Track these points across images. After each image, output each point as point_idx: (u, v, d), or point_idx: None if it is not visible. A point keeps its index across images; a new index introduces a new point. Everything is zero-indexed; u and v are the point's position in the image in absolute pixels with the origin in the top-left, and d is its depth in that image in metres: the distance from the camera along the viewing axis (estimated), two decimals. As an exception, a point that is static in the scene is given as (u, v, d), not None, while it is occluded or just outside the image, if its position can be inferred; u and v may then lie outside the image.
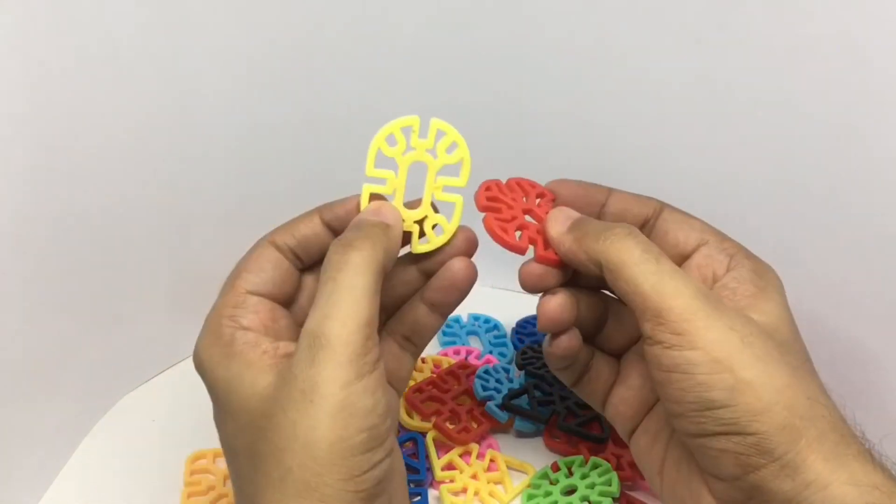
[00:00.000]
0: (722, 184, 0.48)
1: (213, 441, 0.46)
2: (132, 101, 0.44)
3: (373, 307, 0.32)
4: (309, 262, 0.37)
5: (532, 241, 0.37)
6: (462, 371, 0.51)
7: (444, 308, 0.38)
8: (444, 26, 0.49)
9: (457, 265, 0.37)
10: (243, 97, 0.48)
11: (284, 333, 0.35)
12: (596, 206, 0.38)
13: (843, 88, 0.42)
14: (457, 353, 0.54)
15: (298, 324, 0.36)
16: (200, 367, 0.34)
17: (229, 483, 0.45)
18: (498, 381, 0.50)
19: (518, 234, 0.37)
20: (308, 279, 0.38)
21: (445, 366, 0.52)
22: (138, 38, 0.43)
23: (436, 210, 0.37)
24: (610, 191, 0.39)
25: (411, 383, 0.50)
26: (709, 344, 0.31)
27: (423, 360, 0.53)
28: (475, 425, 0.48)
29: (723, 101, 0.46)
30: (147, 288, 0.49)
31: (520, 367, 0.52)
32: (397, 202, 0.37)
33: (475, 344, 0.56)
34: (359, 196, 0.37)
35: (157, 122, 0.45)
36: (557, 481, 0.45)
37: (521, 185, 0.39)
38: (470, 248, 0.37)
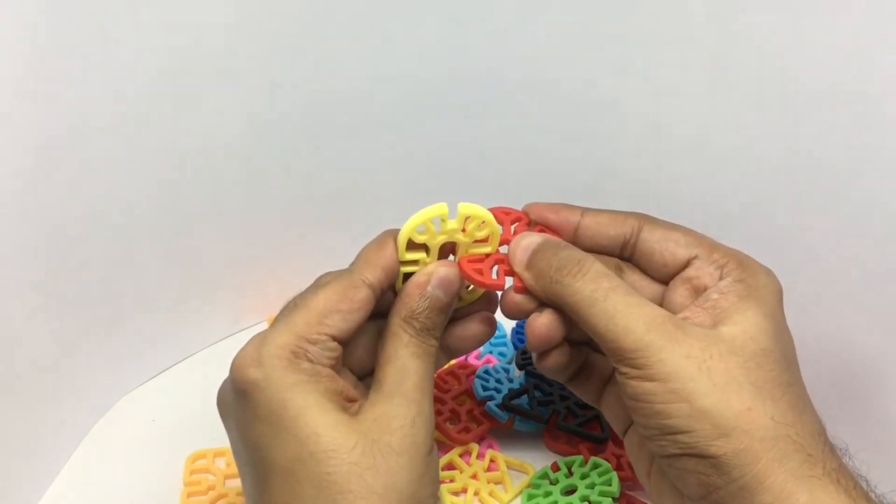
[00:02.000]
0: (721, 185, 0.48)
1: (213, 441, 0.47)
2: (132, 101, 0.44)
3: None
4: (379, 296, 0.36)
5: (508, 273, 0.37)
6: (462, 371, 0.51)
7: (456, 353, 0.39)
8: (443, 28, 0.49)
9: (481, 322, 0.38)
10: (246, 95, 0.47)
11: (339, 372, 0.35)
12: (570, 228, 0.38)
13: (845, 87, 0.42)
14: (457, 353, 0.54)
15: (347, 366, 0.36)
16: (267, 383, 0.32)
17: (229, 483, 0.46)
18: (498, 381, 0.50)
19: (495, 269, 0.37)
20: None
21: (445, 366, 0.52)
22: (138, 39, 0.43)
23: None
24: (583, 211, 0.38)
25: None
26: (664, 376, 0.32)
27: (423, 360, 0.53)
28: (475, 425, 0.48)
29: (723, 101, 0.46)
30: (147, 288, 0.49)
31: (520, 367, 0.52)
32: None
33: (475, 344, 0.56)
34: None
35: (158, 122, 0.45)
36: (557, 481, 0.45)
37: (496, 217, 0.38)
38: (493, 305, 0.39)
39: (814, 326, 0.39)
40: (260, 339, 0.33)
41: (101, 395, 0.50)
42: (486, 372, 0.51)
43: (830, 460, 0.31)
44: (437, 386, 0.50)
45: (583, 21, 0.48)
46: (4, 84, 0.38)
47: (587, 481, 0.45)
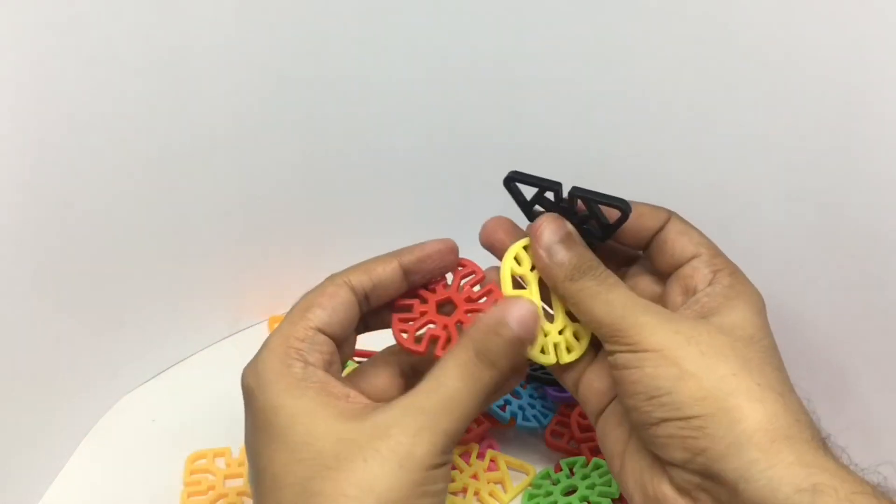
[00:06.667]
0: (720, 181, 0.48)
1: (212, 441, 0.47)
2: (134, 101, 0.44)
3: (477, 412, 0.35)
4: (376, 306, 0.38)
5: (434, 337, 0.37)
6: (462, 371, 0.51)
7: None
8: (444, 30, 0.50)
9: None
10: (246, 94, 0.47)
11: (335, 374, 0.36)
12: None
13: (843, 88, 0.42)
14: (457, 353, 0.54)
15: (342, 362, 0.37)
16: (261, 390, 0.34)
17: (229, 483, 0.46)
18: (498, 381, 0.50)
19: (422, 330, 0.37)
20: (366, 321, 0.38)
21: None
22: (138, 39, 0.43)
23: (573, 319, 0.38)
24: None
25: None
26: (656, 345, 0.34)
27: (424, 361, 0.53)
28: (475, 425, 0.48)
29: (721, 103, 0.46)
30: (147, 288, 0.49)
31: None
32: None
33: (475, 344, 0.56)
34: (438, 241, 0.38)
35: (158, 122, 0.45)
36: (559, 482, 0.45)
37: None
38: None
39: (811, 320, 0.39)
40: (261, 346, 0.35)
41: (101, 395, 0.50)
42: (487, 372, 0.50)
43: (817, 431, 0.32)
44: (437, 386, 0.50)
45: (584, 16, 0.48)
46: (3, 83, 0.38)
47: (587, 482, 0.45)
